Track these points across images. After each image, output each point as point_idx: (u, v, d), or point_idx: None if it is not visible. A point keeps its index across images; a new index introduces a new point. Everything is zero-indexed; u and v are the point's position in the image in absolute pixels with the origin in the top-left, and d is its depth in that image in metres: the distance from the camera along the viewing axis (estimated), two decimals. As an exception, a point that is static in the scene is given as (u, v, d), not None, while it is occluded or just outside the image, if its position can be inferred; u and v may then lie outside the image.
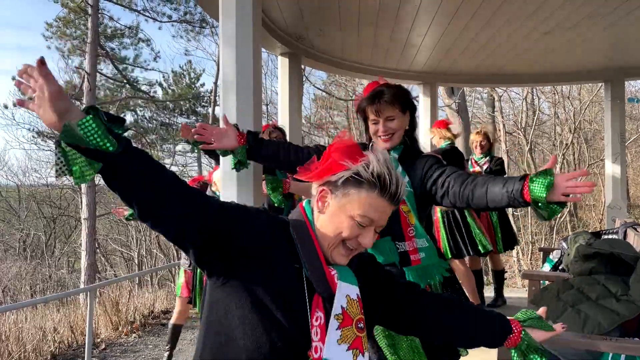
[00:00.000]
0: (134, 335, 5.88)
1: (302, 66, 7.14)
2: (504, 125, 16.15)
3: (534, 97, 15.72)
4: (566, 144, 14.99)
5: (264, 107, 15.24)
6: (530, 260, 13.58)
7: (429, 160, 2.02)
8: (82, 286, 12.41)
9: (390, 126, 2.02)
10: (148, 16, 17.44)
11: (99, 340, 5.67)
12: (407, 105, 2.07)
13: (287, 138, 3.88)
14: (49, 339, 5.32)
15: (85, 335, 5.69)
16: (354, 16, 3.96)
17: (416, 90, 8.68)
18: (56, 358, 5.06)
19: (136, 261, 20.08)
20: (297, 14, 3.98)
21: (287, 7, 3.85)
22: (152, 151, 20.84)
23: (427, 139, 5.66)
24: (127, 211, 3.94)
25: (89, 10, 14.63)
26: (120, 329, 5.99)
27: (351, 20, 4.06)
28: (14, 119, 23.69)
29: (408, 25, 4.13)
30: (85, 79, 14.38)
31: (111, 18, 17.99)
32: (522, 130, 15.79)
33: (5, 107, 17.98)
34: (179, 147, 22.69)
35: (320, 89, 17.45)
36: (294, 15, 4.01)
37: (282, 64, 4.66)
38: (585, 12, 3.84)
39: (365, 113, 2.09)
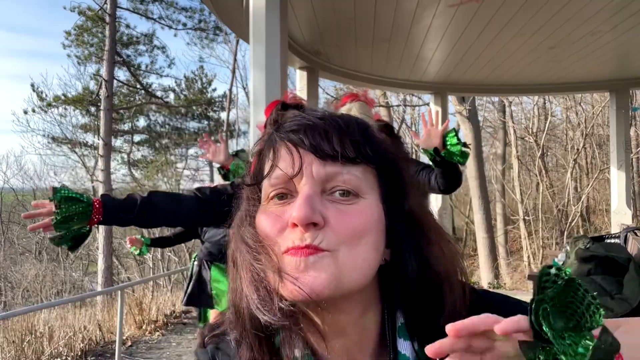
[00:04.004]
0: (157, 333, 6.17)
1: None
2: (514, 130, 16.30)
3: (546, 102, 15.84)
4: (577, 149, 15.09)
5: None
6: (541, 264, 13.70)
7: None
8: (99, 288, 12.77)
9: None
10: (163, 24, 17.87)
11: (124, 337, 5.95)
12: None
13: None
14: (78, 336, 5.61)
15: (111, 333, 6.00)
16: (368, 33, 4.23)
17: (427, 99, 8.92)
18: (86, 354, 5.34)
19: (150, 264, 20.47)
20: (316, 31, 4.25)
21: (307, 26, 4.12)
22: (165, 155, 21.27)
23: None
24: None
25: (107, 19, 15.05)
26: (144, 327, 6.27)
27: (366, 37, 4.32)
28: (29, 126, 24.36)
29: (420, 41, 4.39)
30: (103, 86, 14.77)
31: (128, 26, 18.44)
32: (534, 135, 15.91)
33: (25, 112, 18.47)
34: (191, 151, 23.14)
35: (331, 96, 17.74)
36: (312, 32, 4.28)
37: (301, 77, 4.95)
38: (587, 29, 4.07)
39: None
